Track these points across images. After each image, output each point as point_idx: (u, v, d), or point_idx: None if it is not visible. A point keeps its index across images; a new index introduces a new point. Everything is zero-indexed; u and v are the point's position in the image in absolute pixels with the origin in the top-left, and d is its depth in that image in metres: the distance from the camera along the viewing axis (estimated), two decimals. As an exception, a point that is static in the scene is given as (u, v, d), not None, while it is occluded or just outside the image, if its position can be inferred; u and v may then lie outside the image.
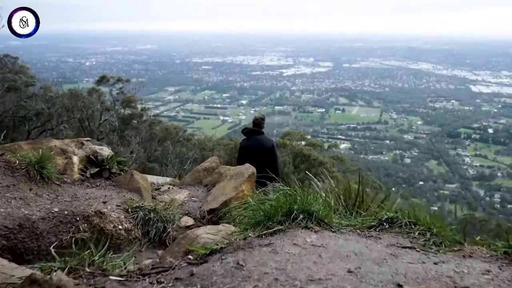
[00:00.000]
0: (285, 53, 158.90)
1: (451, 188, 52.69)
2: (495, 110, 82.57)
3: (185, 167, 10.46)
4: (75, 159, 4.32)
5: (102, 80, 12.56)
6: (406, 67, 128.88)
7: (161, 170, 10.11)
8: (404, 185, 52.93)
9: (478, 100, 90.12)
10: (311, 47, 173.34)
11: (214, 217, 3.84)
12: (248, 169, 4.28)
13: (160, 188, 4.80)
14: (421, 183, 54.17)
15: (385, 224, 2.28)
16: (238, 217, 2.66)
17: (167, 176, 10.30)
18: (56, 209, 3.12)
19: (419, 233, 2.17)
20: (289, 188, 2.56)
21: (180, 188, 4.78)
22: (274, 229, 1.99)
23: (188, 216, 3.98)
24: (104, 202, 3.59)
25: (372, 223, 2.30)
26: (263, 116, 5.34)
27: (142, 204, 3.53)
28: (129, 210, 3.46)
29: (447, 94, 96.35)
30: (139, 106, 11.87)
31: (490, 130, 71.22)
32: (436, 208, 33.43)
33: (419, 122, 79.17)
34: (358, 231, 2.20)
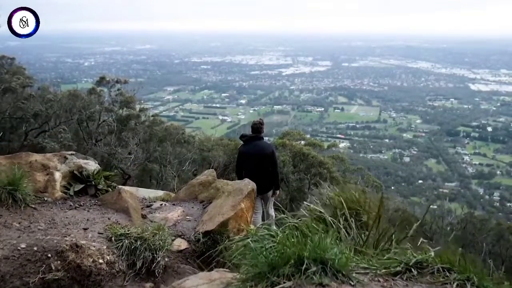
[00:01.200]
0: (284, 52, 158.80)
1: (451, 186, 52.75)
2: (494, 109, 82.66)
3: (183, 168, 10.45)
4: (57, 175, 3.92)
5: (101, 81, 12.54)
6: (405, 66, 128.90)
7: (158, 183, 9.99)
8: (403, 184, 52.96)
9: (477, 99, 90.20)
10: (310, 46, 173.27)
11: (209, 240, 3.54)
12: (248, 185, 3.97)
13: (152, 205, 4.41)
14: (420, 181, 54.20)
15: (413, 270, 1.90)
16: (236, 257, 2.16)
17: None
18: (23, 245, 2.67)
19: (457, 284, 1.80)
20: (297, 222, 2.24)
21: (174, 204, 4.39)
22: (281, 286, 1.66)
23: (182, 238, 3.64)
24: (85, 229, 3.17)
25: (398, 268, 1.93)
26: (262, 120, 5.18)
27: (128, 231, 3.12)
28: (113, 238, 3.06)
29: (446, 93, 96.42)
30: (137, 107, 11.83)
31: (489, 129, 71.30)
32: (435, 207, 33.48)
33: (418, 121, 79.22)
34: (381, 279, 1.83)
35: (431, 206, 35.68)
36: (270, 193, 5.07)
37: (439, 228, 12.15)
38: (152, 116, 13.98)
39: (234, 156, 10.85)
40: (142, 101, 14.09)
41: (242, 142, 5.40)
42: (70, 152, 4.41)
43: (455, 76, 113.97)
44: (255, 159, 4.92)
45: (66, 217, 3.39)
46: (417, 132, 74.10)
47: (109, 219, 3.49)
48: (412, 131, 74.38)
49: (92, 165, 4.34)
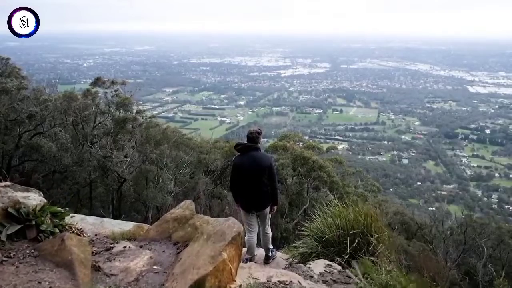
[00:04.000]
0: (282, 54, 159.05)
1: (449, 188, 52.76)
2: (492, 111, 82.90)
3: (180, 171, 10.32)
4: (-19, 215, 2.89)
5: (97, 82, 12.38)
6: (404, 67, 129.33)
7: (155, 186, 9.50)
8: (402, 186, 52.94)
9: (475, 101, 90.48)
10: (309, 48, 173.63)
11: None
12: (232, 227, 3.19)
13: (113, 247, 3.49)
14: (418, 183, 54.19)
15: None
16: None
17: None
18: None
19: None
20: None
21: (141, 246, 3.50)
22: None
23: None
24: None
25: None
26: (260, 130, 4.61)
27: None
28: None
29: (444, 95, 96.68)
30: (134, 109, 11.69)
31: (487, 131, 71.44)
32: (434, 209, 33.40)
33: (417, 123, 79.33)
34: None
35: (430, 209, 35.70)
36: (268, 209, 4.53)
37: (439, 232, 12.05)
38: (150, 117, 13.86)
39: (230, 158, 10.72)
40: (141, 102, 13.93)
41: (236, 158, 4.77)
42: (3, 184, 3.41)
43: (454, 78, 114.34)
44: (251, 172, 4.36)
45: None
46: (416, 134, 74.17)
47: (39, 283, 2.49)
48: (411, 133, 74.44)
49: (34, 199, 3.36)
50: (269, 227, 4.72)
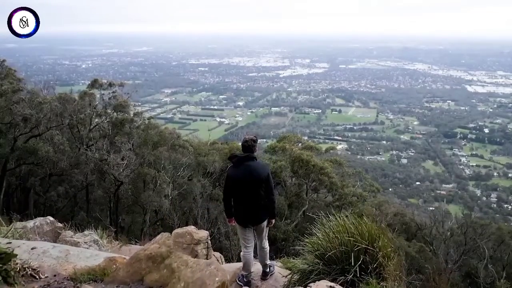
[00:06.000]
0: (281, 54, 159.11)
1: (448, 188, 52.76)
2: (491, 110, 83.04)
3: (178, 173, 10.20)
4: None
5: (94, 84, 12.27)
6: (402, 67, 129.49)
7: (153, 190, 9.32)
8: (401, 186, 52.91)
9: (474, 100, 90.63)
10: (307, 48, 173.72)
11: None
12: (215, 275, 2.73)
13: None
14: (417, 183, 54.17)
15: None
16: None
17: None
18: None
19: None
20: None
21: None
22: None
23: None
24: None
25: None
26: (255, 137, 4.21)
27: None
28: None
29: (443, 94, 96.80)
30: (131, 111, 11.56)
31: (486, 130, 71.52)
32: (433, 209, 33.33)
33: (415, 123, 79.39)
34: None
35: (429, 208, 35.51)
36: (265, 223, 4.20)
37: (439, 233, 11.97)
38: (148, 119, 13.75)
39: (229, 163, 10.57)
40: (139, 103, 13.80)
41: (230, 169, 4.36)
42: None
43: (452, 77, 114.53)
44: (246, 184, 4.01)
45: None
46: (415, 133, 74.21)
47: None
48: (410, 133, 74.48)
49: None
50: (267, 241, 4.43)
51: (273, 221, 4.34)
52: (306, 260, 3.26)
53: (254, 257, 4.36)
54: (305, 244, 3.48)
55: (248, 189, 4.05)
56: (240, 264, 4.36)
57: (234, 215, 4.21)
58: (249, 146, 4.12)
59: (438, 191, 51.40)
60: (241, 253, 4.29)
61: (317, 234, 3.15)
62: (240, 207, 4.14)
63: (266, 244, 4.40)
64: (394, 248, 2.18)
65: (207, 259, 4.50)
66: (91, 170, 9.66)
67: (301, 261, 3.45)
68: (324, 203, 12.69)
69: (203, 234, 4.69)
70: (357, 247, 2.48)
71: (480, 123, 74.89)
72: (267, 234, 4.42)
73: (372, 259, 2.46)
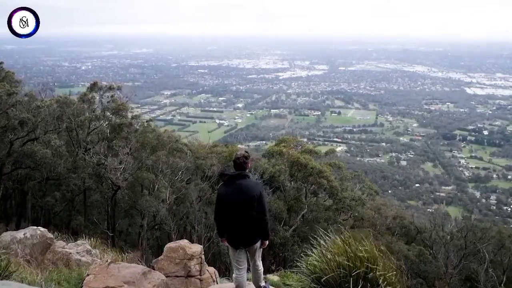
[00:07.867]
0: (280, 56, 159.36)
1: (447, 190, 52.75)
2: (490, 112, 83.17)
3: (176, 177, 10.15)
4: None
5: (93, 87, 12.22)
6: (401, 69, 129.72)
7: (150, 193, 9.24)
8: (400, 188, 52.89)
9: (473, 102, 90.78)
10: (307, 50, 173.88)
11: None
12: None
13: None
14: (417, 185, 54.16)
15: None
16: None
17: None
18: None
19: None
20: None
21: None
22: None
23: None
24: None
25: None
26: (247, 154, 4.00)
27: None
28: None
29: (442, 96, 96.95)
30: (129, 114, 11.50)
31: (485, 132, 71.59)
32: (432, 211, 33.26)
33: (415, 124, 79.45)
34: None
35: (428, 210, 35.28)
36: (258, 244, 3.99)
37: (439, 237, 11.90)
38: (147, 121, 13.70)
39: (229, 164, 10.52)
40: (138, 105, 13.74)
41: (221, 188, 4.15)
42: None
43: (451, 79, 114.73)
44: (238, 204, 3.79)
45: None
46: (414, 135, 74.25)
47: None
48: (409, 135, 74.53)
49: None
50: (260, 262, 4.20)
51: (267, 242, 4.10)
52: (302, 282, 3.09)
53: (248, 279, 4.17)
54: (301, 264, 3.27)
55: (240, 210, 3.83)
56: (233, 285, 4.17)
57: (225, 236, 4.01)
58: (240, 163, 3.90)
59: (438, 193, 51.40)
60: (233, 275, 4.09)
61: (313, 254, 2.99)
62: (232, 228, 3.93)
63: (260, 265, 4.19)
64: (397, 272, 2.01)
65: (200, 275, 4.35)
66: (88, 174, 9.58)
67: (297, 282, 3.24)
68: (323, 207, 12.63)
69: (197, 248, 4.54)
70: (356, 271, 2.31)
71: (479, 125, 74.97)
72: (260, 255, 4.21)
73: (372, 285, 2.29)
